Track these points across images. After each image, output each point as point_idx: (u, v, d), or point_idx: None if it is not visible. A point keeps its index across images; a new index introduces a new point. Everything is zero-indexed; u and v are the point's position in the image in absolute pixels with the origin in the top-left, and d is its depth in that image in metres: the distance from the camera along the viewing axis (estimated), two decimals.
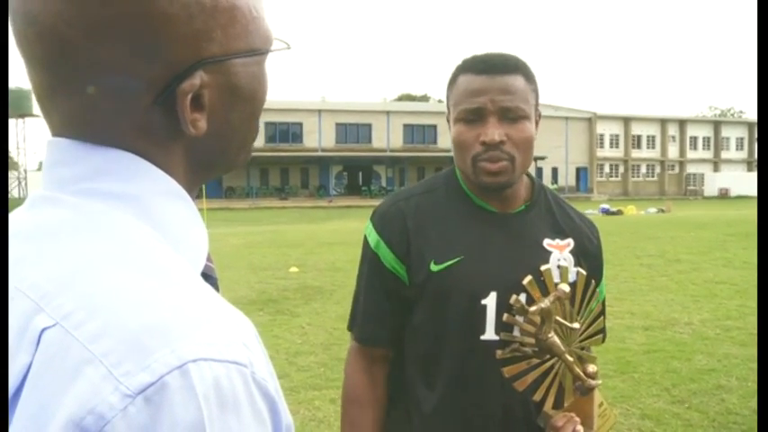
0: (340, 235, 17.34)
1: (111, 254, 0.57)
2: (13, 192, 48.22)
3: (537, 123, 1.52)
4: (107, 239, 0.58)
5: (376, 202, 1.78)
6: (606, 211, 31.30)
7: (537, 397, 1.44)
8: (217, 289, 0.96)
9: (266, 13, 0.69)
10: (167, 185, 0.64)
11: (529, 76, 1.48)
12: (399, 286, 1.52)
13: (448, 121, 1.56)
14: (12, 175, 50.28)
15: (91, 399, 0.48)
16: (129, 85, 0.60)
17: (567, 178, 58.97)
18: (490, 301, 1.45)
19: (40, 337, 0.52)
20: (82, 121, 0.61)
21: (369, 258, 1.56)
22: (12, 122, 45.69)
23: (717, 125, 68.51)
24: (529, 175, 1.61)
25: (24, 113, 45.37)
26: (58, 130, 0.63)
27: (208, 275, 0.68)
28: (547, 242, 1.53)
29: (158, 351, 0.50)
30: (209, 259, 0.69)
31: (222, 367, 0.51)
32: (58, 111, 0.62)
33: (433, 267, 1.47)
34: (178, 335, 0.51)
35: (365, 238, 1.58)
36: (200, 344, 0.51)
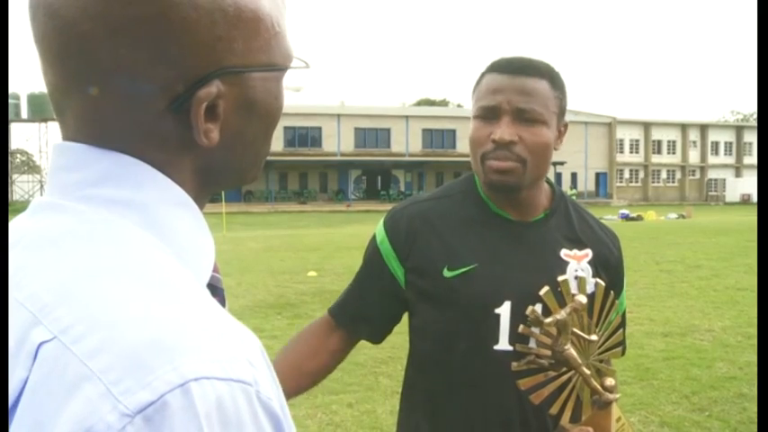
0: (358, 239, 17.32)
1: (113, 265, 0.55)
2: (37, 194, 48.73)
3: (561, 134, 1.50)
4: (110, 249, 0.56)
5: None
6: (626, 217, 31.09)
7: (554, 410, 1.42)
8: (224, 300, 0.94)
9: (288, 31, 0.68)
10: (175, 195, 0.62)
11: (556, 84, 1.46)
12: (395, 287, 1.52)
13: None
14: (34, 178, 50.90)
15: (88, 417, 0.46)
16: (144, 88, 0.59)
17: (587, 183, 58.60)
18: (504, 311, 1.42)
19: (37, 351, 0.50)
20: (93, 123, 0.60)
21: (370, 252, 1.58)
22: (35, 126, 46.26)
23: (739, 130, 67.73)
24: (550, 183, 1.58)
25: (47, 118, 45.91)
26: (68, 132, 0.62)
27: (214, 287, 0.66)
28: (564, 252, 1.50)
29: (159, 368, 0.48)
30: (216, 270, 0.67)
31: (225, 386, 0.50)
32: (71, 110, 0.61)
33: (447, 273, 1.45)
34: (180, 351, 0.49)
35: (373, 235, 1.58)
36: (203, 361, 0.50)
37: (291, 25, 0.69)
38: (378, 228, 1.57)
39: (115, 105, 0.59)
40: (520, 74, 1.43)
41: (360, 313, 1.60)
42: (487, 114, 1.45)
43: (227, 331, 0.54)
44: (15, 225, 0.63)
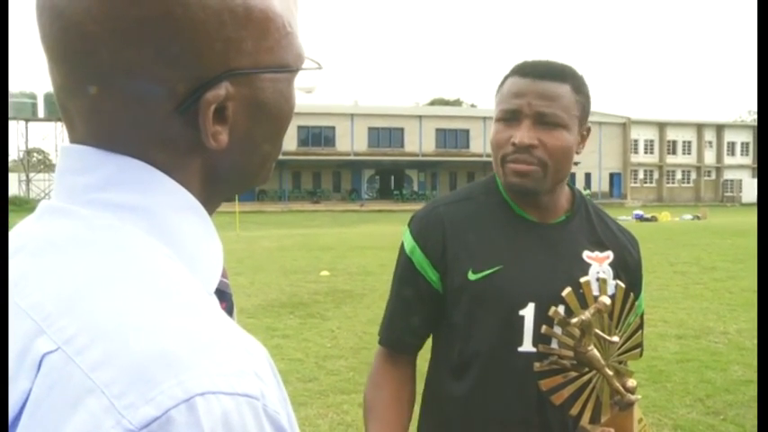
0: (371, 239, 17.37)
1: (118, 273, 0.54)
2: (52, 194, 49.11)
3: (584, 138, 1.50)
4: (115, 257, 0.55)
5: (408, 207, 1.74)
6: (640, 218, 30.98)
7: (574, 411, 1.42)
8: (232, 305, 0.92)
9: (300, 31, 0.66)
10: (183, 199, 0.61)
11: (578, 89, 1.46)
12: (432, 293, 1.51)
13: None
14: (50, 176, 51.31)
15: None
16: (151, 90, 0.57)
17: (601, 184, 58.33)
18: (528, 312, 1.43)
19: (40, 362, 0.49)
20: (99, 125, 0.59)
21: (402, 264, 1.56)
22: (51, 125, 46.57)
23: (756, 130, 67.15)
24: (570, 186, 1.59)
25: None
26: (75, 134, 0.61)
27: (222, 291, 0.65)
28: (586, 254, 1.51)
29: (165, 382, 0.47)
30: (224, 275, 0.66)
31: (232, 401, 0.48)
32: (77, 111, 0.60)
33: (471, 276, 1.46)
34: (186, 364, 0.48)
35: (402, 243, 1.57)
36: (209, 375, 0.48)
37: (304, 25, 0.67)
38: (405, 237, 1.57)
39: (121, 107, 0.58)
40: (542, 78, 1.43)
41: (412, 335, 1.57)
42: (508, 117, 1.45)
43: (234, 343, 0.53)
44: (22, 229, 0.61)
